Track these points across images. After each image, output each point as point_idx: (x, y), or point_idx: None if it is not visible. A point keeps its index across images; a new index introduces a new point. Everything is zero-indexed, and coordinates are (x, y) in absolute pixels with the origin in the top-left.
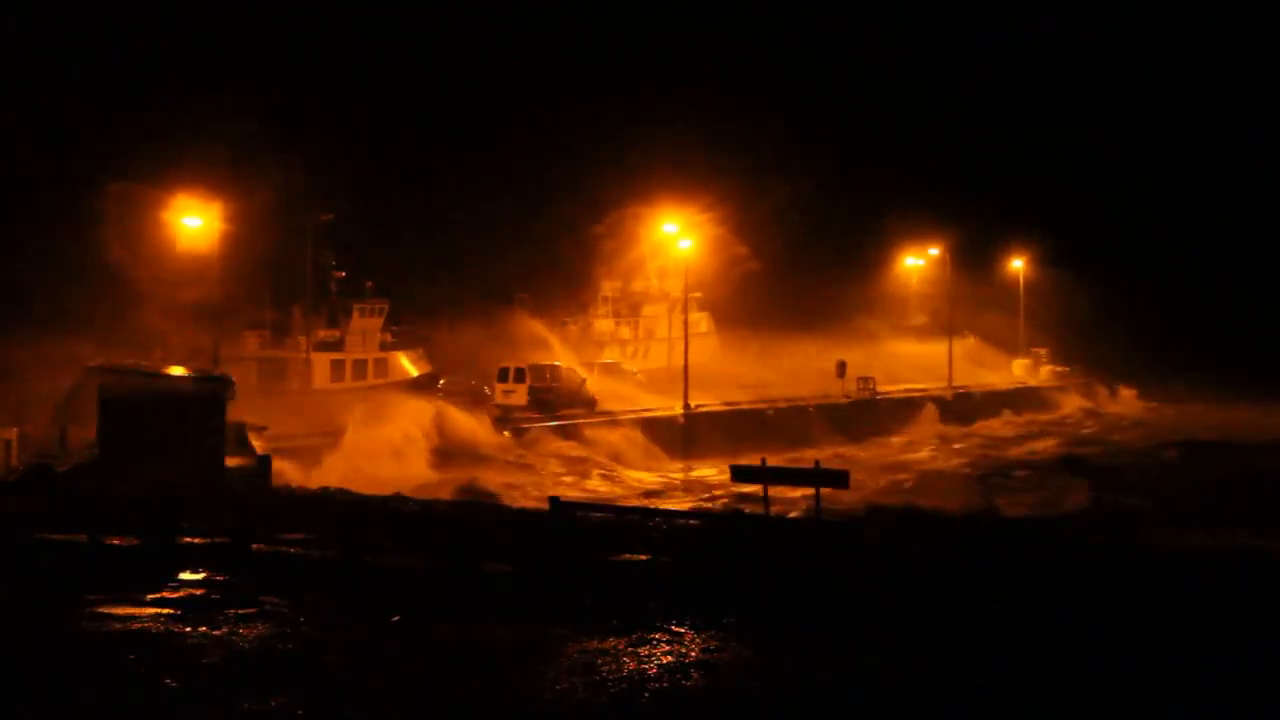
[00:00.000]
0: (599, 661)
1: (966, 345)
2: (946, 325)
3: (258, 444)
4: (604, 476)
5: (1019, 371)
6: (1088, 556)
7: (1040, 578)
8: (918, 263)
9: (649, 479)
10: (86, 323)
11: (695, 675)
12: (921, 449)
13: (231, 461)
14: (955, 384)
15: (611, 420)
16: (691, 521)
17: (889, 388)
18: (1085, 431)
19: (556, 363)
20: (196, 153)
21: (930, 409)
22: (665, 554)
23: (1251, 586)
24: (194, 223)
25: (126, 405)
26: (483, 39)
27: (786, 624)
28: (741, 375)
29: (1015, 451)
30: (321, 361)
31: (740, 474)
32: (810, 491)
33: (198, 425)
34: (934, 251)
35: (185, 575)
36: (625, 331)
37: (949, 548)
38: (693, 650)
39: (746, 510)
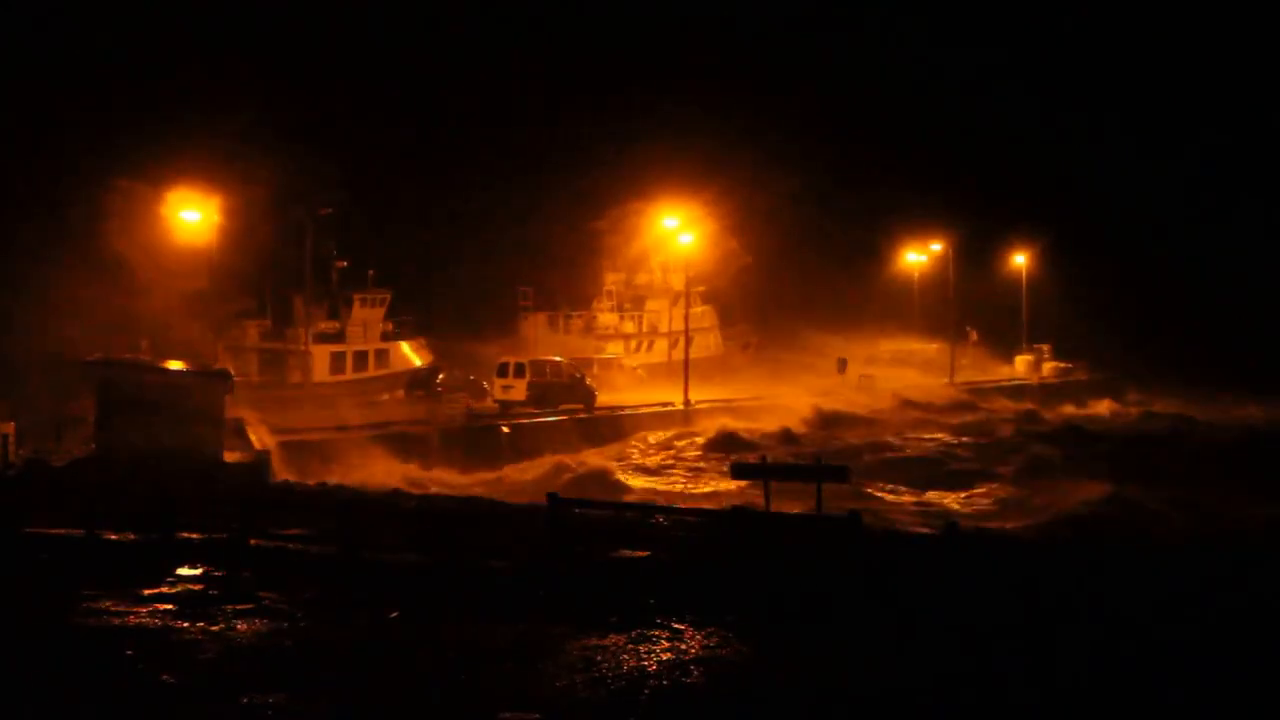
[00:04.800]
0: (599, 658)
1: (970, 342)
2: (949, 321)
3: (255, 438)
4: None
5: (1021, 368)
6: (1082, 557)
7: (1037, 578)
8: (920, 259)
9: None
10: (84, 317)
11: (695, 672)
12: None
13: (230, 456)
14: (957, 380)
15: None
16: (691, 518)
17: (891, 384)
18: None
19: (556, 357)
20: (195, 145)
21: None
22: (665, 551)
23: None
24: (192, 216)
25: (124, 400)
26: (485, 33)
27: (787, 621)
28: (744, 370)
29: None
30: (321, 353)
31: (740, 470)
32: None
33: (196, 420)
34: (936, 247)
35: (183, 571)
36: (629, 325)
37: (947, 546)
38: (693, 647)
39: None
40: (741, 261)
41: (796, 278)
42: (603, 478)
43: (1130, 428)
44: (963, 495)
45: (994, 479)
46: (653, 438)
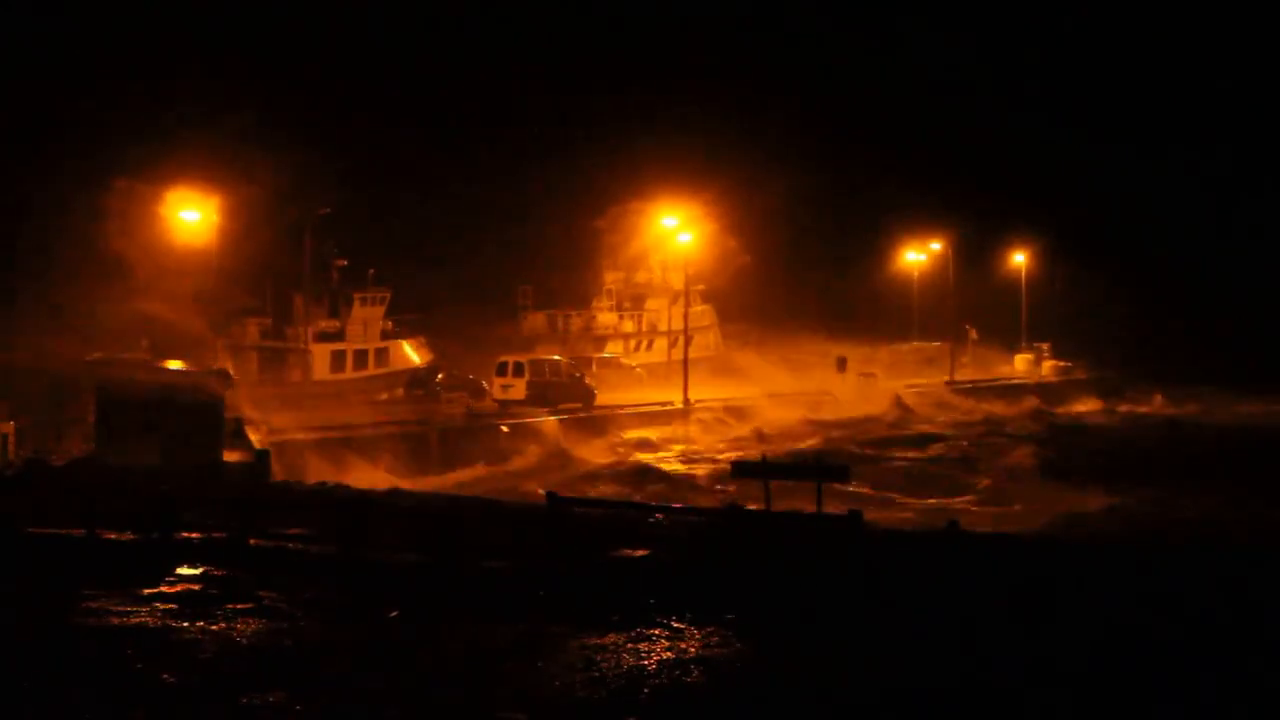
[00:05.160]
0: (598, 657)
1: (970, 341)
2: (948, 320)
3: (255, 438)
4: None
5: (1021, 367)
6: (1081, 556)
7: (1035, 574)
8: (919, 258)
9: None
10: (84, 317)
11: (695, 671)
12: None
13: (229, 456)
14: (957, 379)
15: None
16: (691, 517)
17: (891, 383)
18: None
19: (555, 356)
20: (195, 145)
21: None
22: (665, 549)
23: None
24: (192, 216)
25: (124, 399)
26: (485, 33)
27: (786, 619)
28: (743, 369)
29: None
30: (322, 351)
31: (740, 470)
32: None
33: (195, 419)
34: (936, 246)
35: (183, 570)
36: (629, 325)
37: (947, 546)
38: (692, 646)
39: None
40: (741, 260)
41: (796, 277)
42: (601, 475)
43: (1127, 428)
44: (959, 496)
45: (990, 479)
46: (651, 436)
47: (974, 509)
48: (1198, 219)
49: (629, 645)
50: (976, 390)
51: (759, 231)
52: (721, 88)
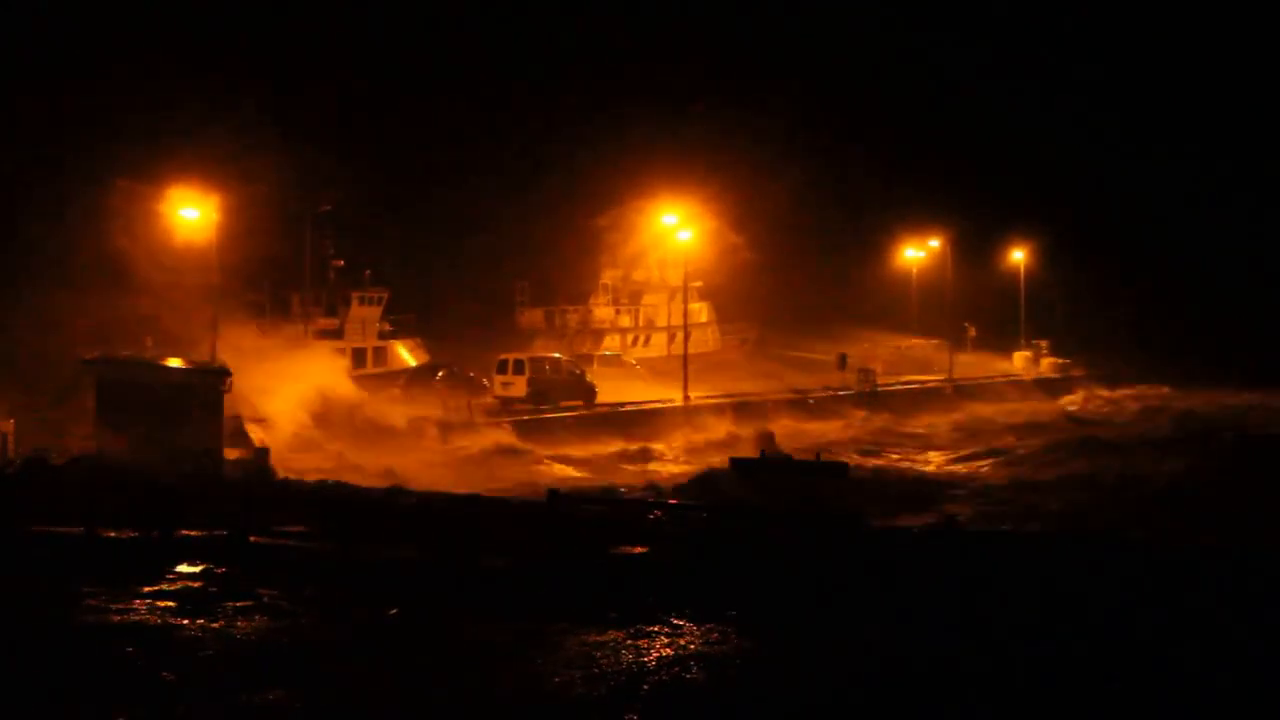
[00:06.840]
0: (598, 654)
1: (968, 338)
2: (947, 318)
3: (255, 436)
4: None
5: (1020, 364)
6: (1081, 555)
7: (1034, 571)
8: (918, 255)
9: None
10: (85, 316)
11: (695, 668)
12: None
13: (229, 454)
14: (955, 377)
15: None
16: (690, 514)
17: (889, 380)
18: None
19: (556, 354)
20: (195, 144)
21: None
22: (664, 547)
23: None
24: (191, 214)
25: (123, 398)
26: (483, 28)
27: (786, 616)
28: (742, 366)
29: None
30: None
31: (739, 467)
32: None
33: (195, 417)
34: (934, 243)
35: (183, 568)
36: (626, 320)
37: (946, 543)
38: (692, 643)
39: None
40: (739, 257)
41: (794, 274)
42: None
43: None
44: (956, 494)
45: (985, 477)
46: (653, 434)
47: (969, 507)
48: (1198, 215)
49: (629, 642)
50: (974, 389)
51: (758, 228)
52: (721, 85)
